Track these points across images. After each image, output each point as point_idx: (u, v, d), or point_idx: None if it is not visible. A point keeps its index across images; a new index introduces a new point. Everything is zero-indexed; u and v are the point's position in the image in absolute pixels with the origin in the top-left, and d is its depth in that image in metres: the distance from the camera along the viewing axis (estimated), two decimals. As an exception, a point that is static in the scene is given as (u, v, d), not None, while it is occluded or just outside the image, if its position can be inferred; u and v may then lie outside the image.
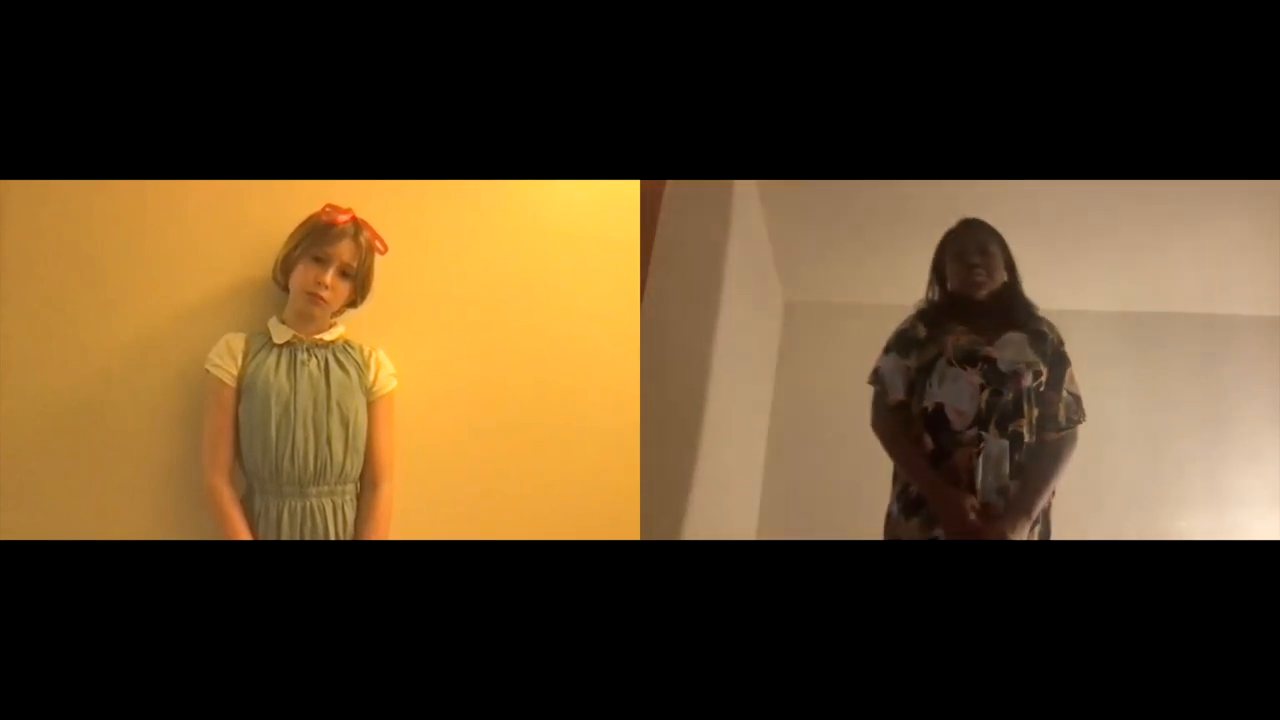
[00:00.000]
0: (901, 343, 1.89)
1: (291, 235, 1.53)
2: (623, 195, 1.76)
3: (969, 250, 1.88)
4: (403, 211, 1.65)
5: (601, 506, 1.71)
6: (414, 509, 1.59)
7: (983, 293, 1.85)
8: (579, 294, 1.76)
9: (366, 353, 1.57)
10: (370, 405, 1.55)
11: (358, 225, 1.54)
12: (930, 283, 1.97)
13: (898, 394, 1.83)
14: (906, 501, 1.76)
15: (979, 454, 1.70)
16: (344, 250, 1.51)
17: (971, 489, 1.68)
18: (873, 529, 1.81)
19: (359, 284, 1.56)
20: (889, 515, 1.80)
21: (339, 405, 1.51)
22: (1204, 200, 2.65)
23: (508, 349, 1.73)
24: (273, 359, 1.50)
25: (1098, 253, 3.04)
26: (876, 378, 1.90)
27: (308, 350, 1.52)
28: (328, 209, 1.53)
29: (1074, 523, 1.77)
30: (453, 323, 1.70)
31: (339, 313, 1.58)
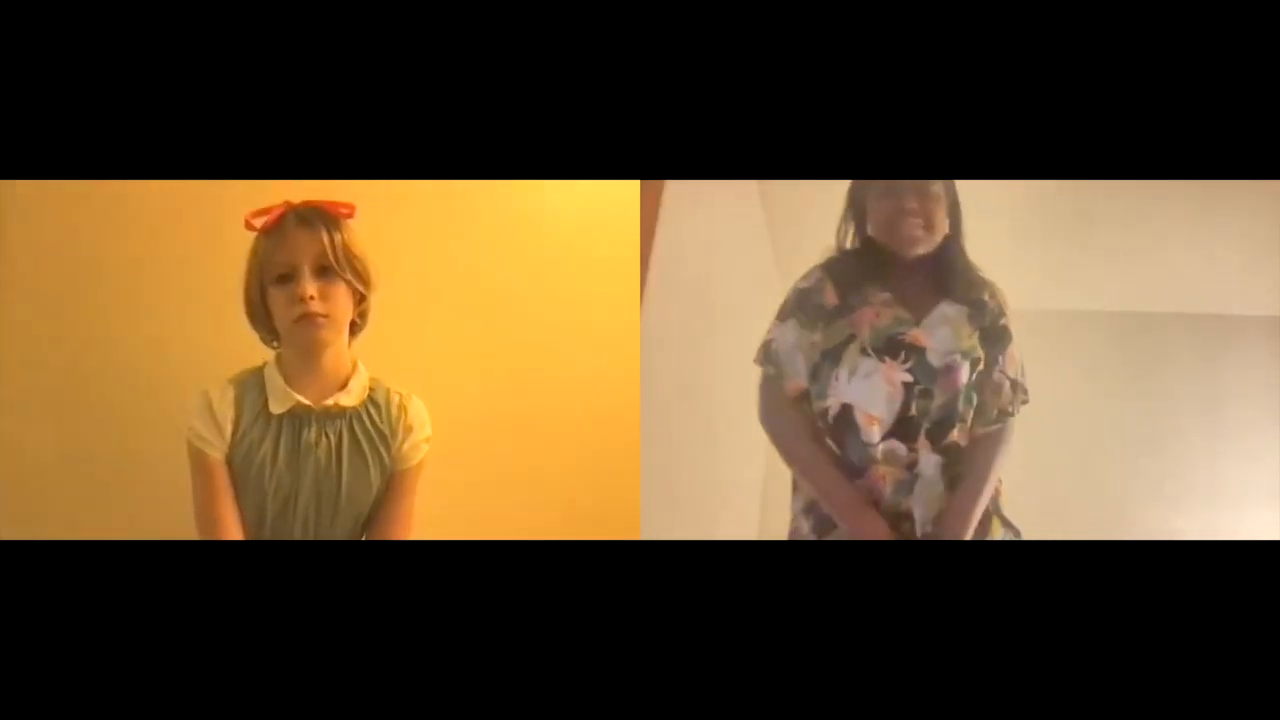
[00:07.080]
0: (805, 308, 1.41)
1: (245, 273, 1.27)
2: (623, 195, 1.76)
3: (903, 187, 1.38)
4: (402, 212, 1.65)
5: (601, 506, 1.71)
6: (413, 508, 1.59)
7: (917, 250, 1.39)
8: (579, 294, 1.76)
9: (395, 411, 1.27)
10: (392, 477, 1.28)
11: (299, 211, 1.23)
12: (843, 221, 1.45)
13: (798, 380, 1.38)
14: (819, 516, 1.37)
15: (913, 479, 1.31)
16: (301, 246, 1.19)
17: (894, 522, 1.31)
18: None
19: (352, 271, 1.23)
20: (795, 534, 1.42)
21: (351, 499, 1.26)
22: (1204, 200, 2.66)
23: (507, 349, 1.73)
24: (270, 437, 1.21)
25: (1098, 253, 3.05)
26: (768, 355, 1.41)
27: (317, 424, 1.23)
28: (251, 218, 1.22)
29: (1072, 522, 1.73)
30: (451, 322, 1.70)
31: (355, 325, 1.29)
